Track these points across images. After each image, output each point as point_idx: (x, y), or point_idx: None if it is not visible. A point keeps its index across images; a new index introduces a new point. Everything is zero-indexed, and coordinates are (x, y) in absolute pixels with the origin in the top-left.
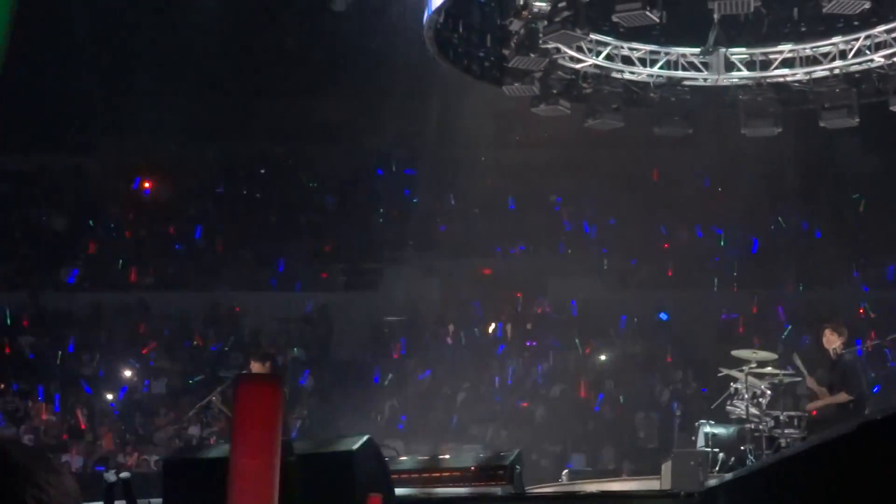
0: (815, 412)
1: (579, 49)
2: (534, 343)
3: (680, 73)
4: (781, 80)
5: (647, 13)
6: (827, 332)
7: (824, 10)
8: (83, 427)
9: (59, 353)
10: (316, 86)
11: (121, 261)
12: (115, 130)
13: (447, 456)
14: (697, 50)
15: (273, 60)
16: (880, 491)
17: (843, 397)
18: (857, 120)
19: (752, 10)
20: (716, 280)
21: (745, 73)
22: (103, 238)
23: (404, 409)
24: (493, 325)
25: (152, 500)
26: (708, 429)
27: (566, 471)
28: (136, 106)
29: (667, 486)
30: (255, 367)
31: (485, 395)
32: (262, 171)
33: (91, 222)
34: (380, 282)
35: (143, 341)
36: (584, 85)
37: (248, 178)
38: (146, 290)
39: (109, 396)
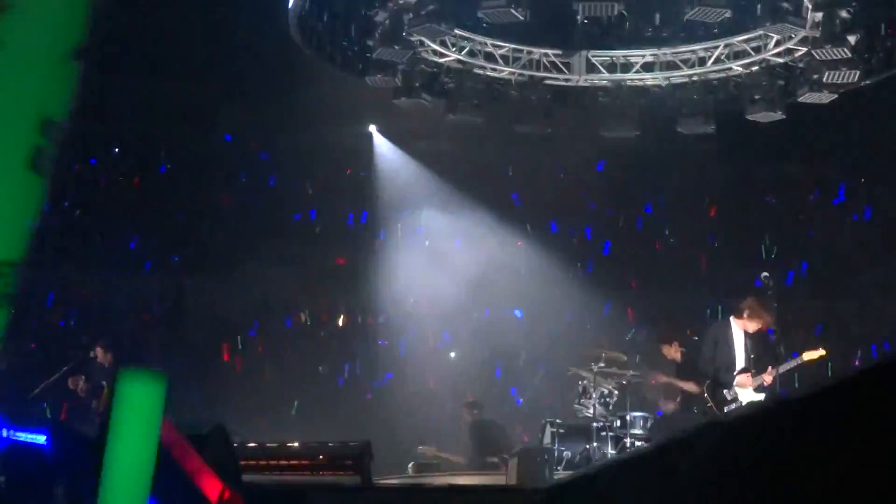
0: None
1: (443, 43)
2: (384, 335)
3: (541, 73)
4: (641, 83)
5: (513, 11)
6: (664, 347)
7: (686, 17)
8: None
9: None
10: (172, 67)
11: None
12: None
13: (296, 444)
14: (560, 50)
15: (130, 39)
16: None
17: (692, 386)
18: (714, 127)
19: (615, 13)
20: (569, 279)
21: (606, 75)
22: None
23: (253, 396)
24: (343, 316)
25: None
26: (554, 426)
27: (412, 463)
28: None
29: (512, 481)
30: (100, 353)
31: (333, 385)
32: (116, 150)
33: None
34: (232, 267)
35: None
36: (447, 80)
37: (103, 157)
38: None
39: None
